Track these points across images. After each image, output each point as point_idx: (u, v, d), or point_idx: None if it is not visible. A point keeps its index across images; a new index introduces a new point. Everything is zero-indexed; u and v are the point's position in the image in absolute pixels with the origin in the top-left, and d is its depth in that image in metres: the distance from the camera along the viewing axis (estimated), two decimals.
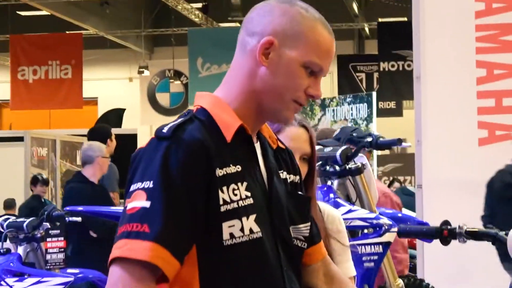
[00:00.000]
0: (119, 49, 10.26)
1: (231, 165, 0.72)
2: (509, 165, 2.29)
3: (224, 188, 0.71)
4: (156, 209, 0.66)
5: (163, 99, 9.48)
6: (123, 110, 9.04)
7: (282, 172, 0.80)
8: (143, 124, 9.31)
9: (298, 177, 0.83)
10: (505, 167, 2.32)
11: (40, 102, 9.24)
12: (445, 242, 1.10)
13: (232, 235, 0.70)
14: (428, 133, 2.53)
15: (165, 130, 0.71)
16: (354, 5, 9.22)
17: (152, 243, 0.63)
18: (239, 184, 0.72)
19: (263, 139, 0.79)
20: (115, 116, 8.74)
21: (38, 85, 8.87)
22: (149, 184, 0.66)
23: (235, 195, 0.72)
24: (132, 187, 0.68)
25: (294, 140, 1.04)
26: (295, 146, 1.00)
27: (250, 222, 0.72)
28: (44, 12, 9.24)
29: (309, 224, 0.84)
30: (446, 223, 1.09)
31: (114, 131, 4.24)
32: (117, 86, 10.60)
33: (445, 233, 1.07)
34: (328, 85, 9.94)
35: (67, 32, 9.74)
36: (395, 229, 1.68)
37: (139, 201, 0.66)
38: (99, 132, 4.07)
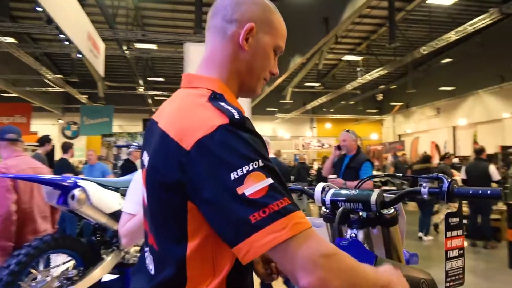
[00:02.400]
0: None
1: None
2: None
3: None
4: (279, 182, 0.71)
5: None
6: None
7: None
8: None
9: None
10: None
11: None
12: None
13: None
14: None
15: (237, 116, 0.74)
16: None
17: (299, 212, 0.70)
18: None
19: None
20: None
21: None
22: (257, 163, 0.69)
23: None
24: (234, 175, 0.68)
25: None
26: None
27: None
28: None
29: None
30: None
31: None
32: None
33: None
34: None
35: None
36: None
37: (260, 182, 0.68)
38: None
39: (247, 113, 0.78)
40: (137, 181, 1.50)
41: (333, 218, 1.16)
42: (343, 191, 1.17)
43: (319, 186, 1.23)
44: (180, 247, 0.78)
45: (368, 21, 15.48)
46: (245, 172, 0.68)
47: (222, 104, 0.78)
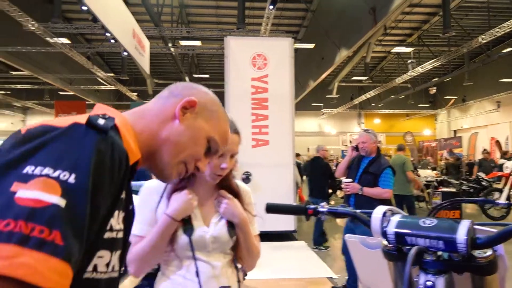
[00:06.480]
0: None
1: (123, 189, 0.62)
2: None
3: (116, 213, 0.60)
4: (75, 214, 0.50)
5: None
6: None
7: None
8: None
9: None
10: None
11: None
12: (308, 217, 1.15)
13: (95, 268, 0.57)
14: None
15: (101, 122, 0.59)
16: None
17: (62, 262, 0.47)
18: (121, 212, 0.62)
19: None
20: None
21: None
22: (69, 176, 0.50)
23: (118, 223, 0.61)
24: (30, 168, 0.50)
25: (230, 143, 1.08)
26: (230, 147, 1.19)
27: (115, 258, 0.62)
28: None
29: None
30: (308, 203, 1.14)
31: None
32: None
33: (310, 212, 1.11)
34: None
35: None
36: None
37: (47, 194, 0.48)
38: None
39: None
40: (144, 195, 1.29)
41: (397, 256, 0.88)
42: (413, 220, 0.86)
43: (379, 211, 0.93)
44: None
45: (419, 10, 14.77)
46: (39, 173, 0.50)
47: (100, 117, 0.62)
